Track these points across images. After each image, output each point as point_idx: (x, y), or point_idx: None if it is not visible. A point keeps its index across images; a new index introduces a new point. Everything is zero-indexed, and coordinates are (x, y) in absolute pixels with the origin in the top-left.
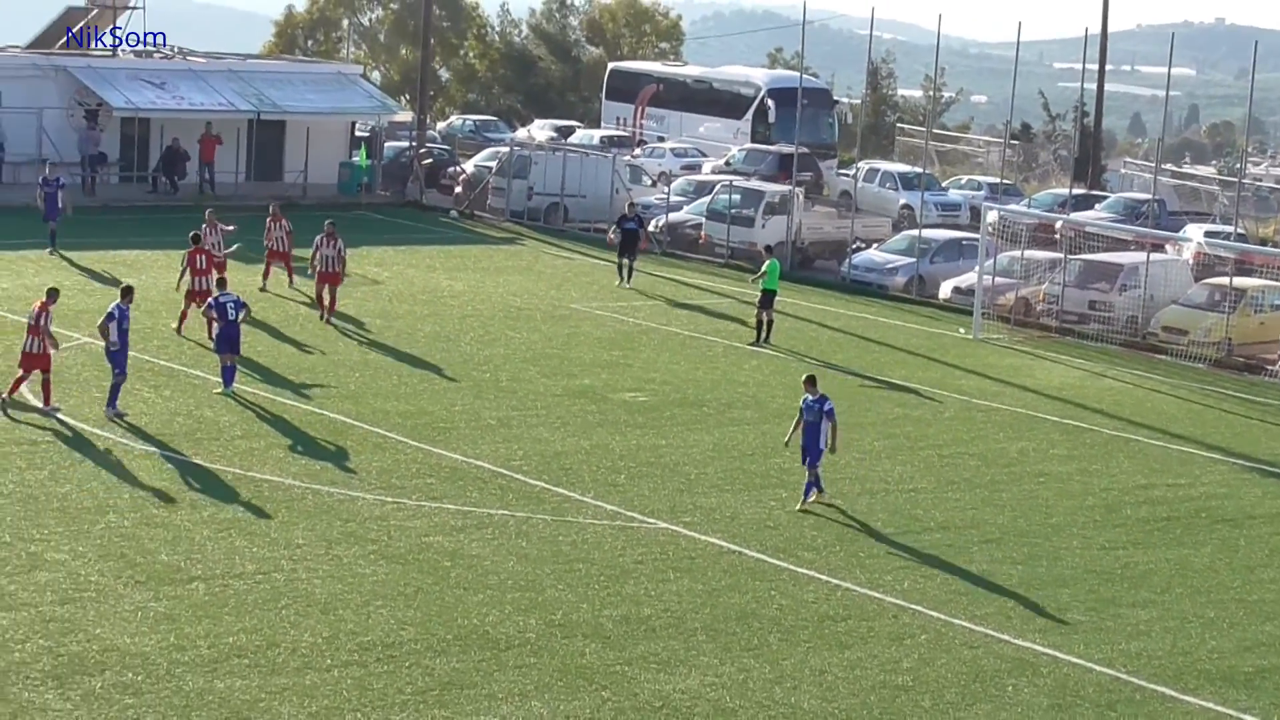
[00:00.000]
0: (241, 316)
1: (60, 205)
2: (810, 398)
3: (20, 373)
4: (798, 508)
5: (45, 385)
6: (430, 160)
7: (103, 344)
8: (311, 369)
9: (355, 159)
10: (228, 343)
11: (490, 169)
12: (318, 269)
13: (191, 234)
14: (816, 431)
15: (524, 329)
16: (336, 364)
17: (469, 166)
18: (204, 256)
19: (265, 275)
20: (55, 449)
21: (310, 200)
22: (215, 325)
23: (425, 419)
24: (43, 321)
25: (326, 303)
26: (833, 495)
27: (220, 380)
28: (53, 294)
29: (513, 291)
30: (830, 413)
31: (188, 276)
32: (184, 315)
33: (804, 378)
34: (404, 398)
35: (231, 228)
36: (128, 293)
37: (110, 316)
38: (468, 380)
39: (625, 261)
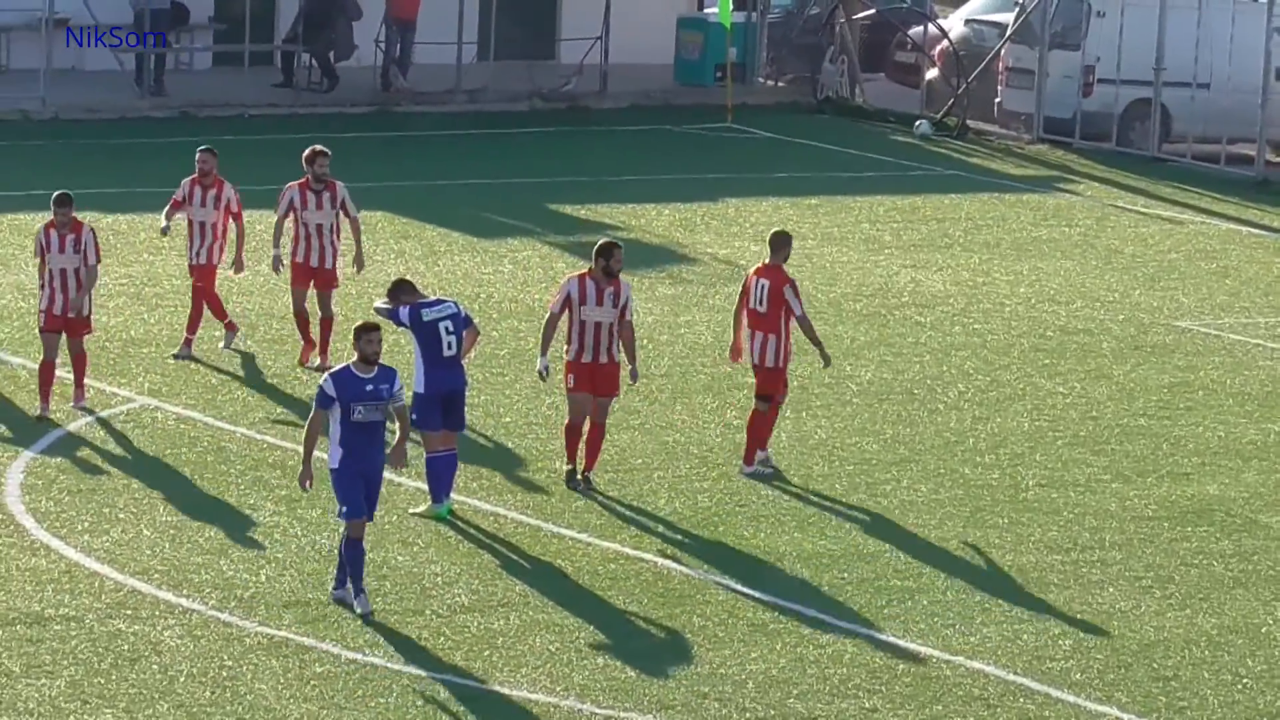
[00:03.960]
0: (467, 349)
1: None
2: None
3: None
4: None
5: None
6: (870, 16)
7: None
8: (618, 456)
9: (711, 12)
10: (444, 406)
11: (999, 31)
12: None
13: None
14: None
15: (1074, 372)
16: (666, 449)
17: (953, 26)
18: (209, 194)
19: (194, 325)
20: (81, 634)
21: (615, 102)
22: (422, 365)
23: (862, 569)
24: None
25: None
26: None
27: (426, 492)
28: (63, 201)
29: (1050, 293)
30: None
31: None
32: (305, 333)
33: None
34: (806, 522)
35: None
36: (406, 289)
37: (395, 316)
38: (953, 482)
39: None
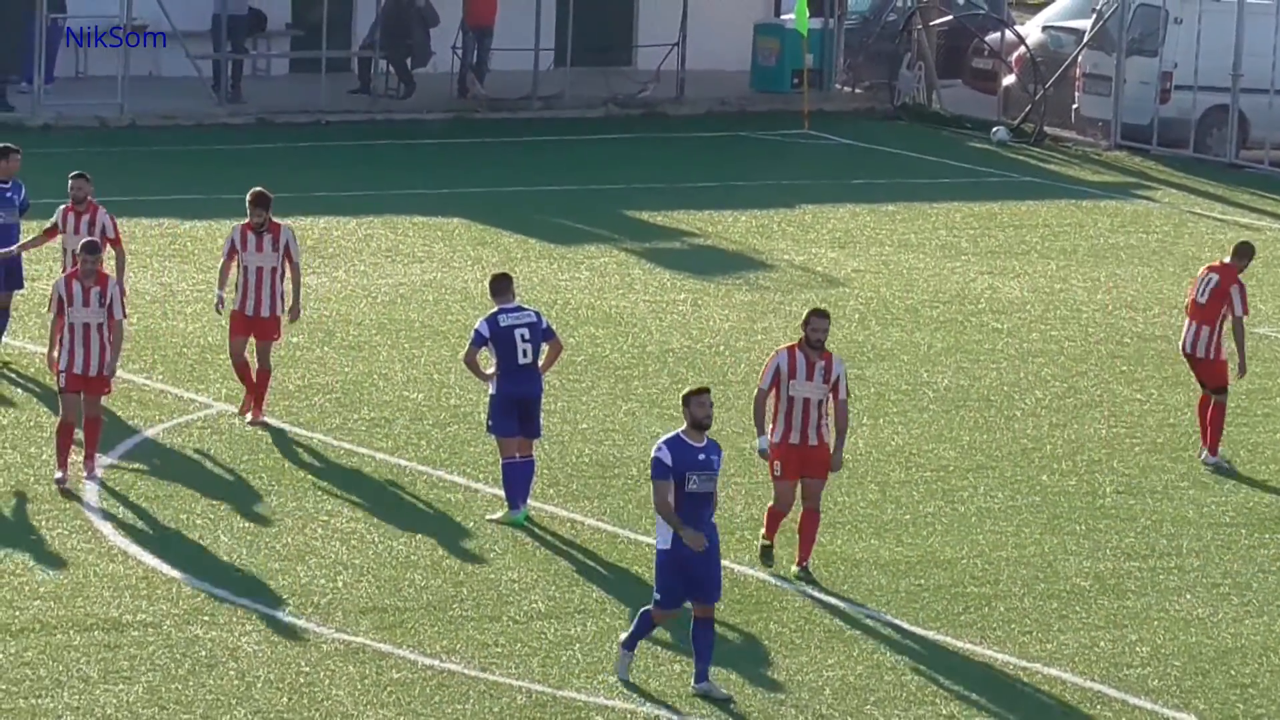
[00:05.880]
0: (549, 362)
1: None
2: None
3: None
4: None
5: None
6: (947, 22)
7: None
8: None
9: (787, 19)
10: (519, 413)
11: (1076, 38)
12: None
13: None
14: None
15: (1152, 379)
16: (743, 455)
17: (1030, 33)
18: (83, 220)
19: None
20: (158, 640)
21: (692, 108)
22: (493, 376)
23: (939, 576)
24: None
25: None
26: None
27: (503, 499)
28: (90, 248)
29: (1127, 300)
30: None
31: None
32: (247, 382)
33: None
34: (883, 529)
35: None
36: (498, 285)
37: (477, 337)
38: (1030, 489)
39: None
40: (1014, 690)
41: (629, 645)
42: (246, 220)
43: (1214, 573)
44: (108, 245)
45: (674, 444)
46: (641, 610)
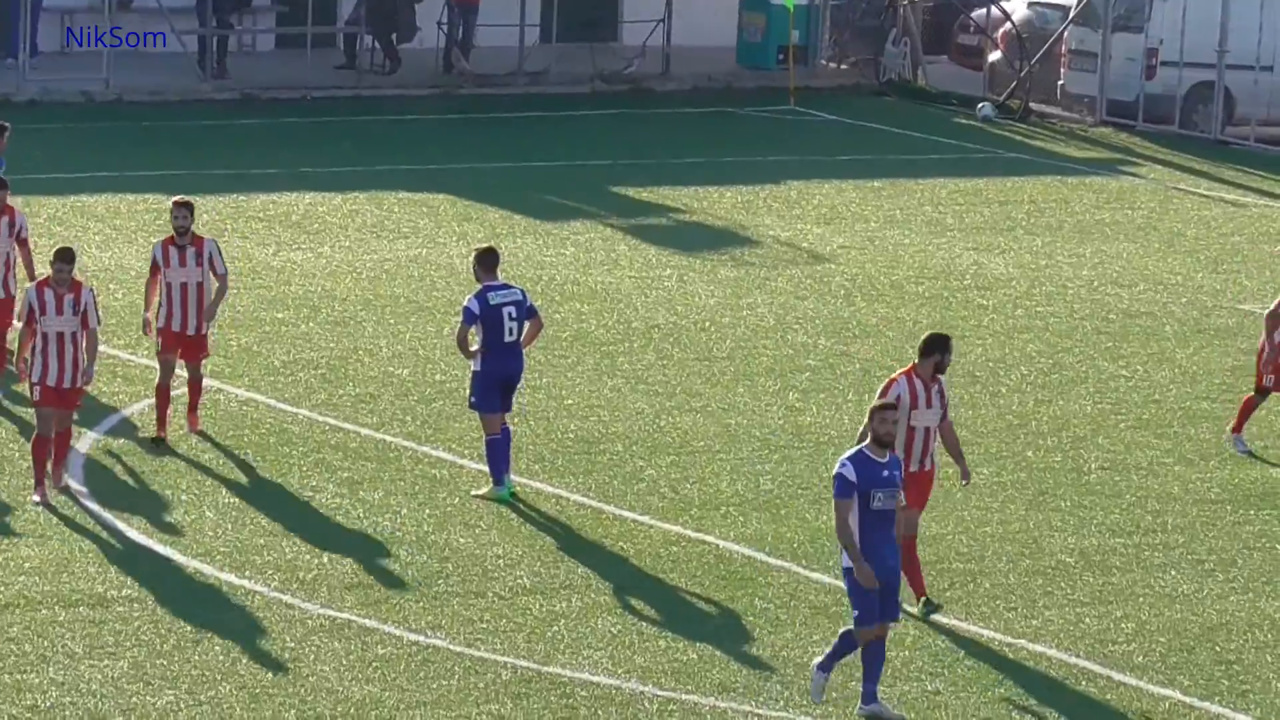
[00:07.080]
0: (529, 339)
1: None
2: None
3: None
4: None
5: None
6: None
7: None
8: (680, 439)
9: None
10: (502, 390)
11: (1062, 14)
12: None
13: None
14: None
15: (1137, 355)
16: (728, 431)
17: (1016, 9)
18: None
19: None
20: (143, 615)
21: (677, 84)
22: (477, 353)
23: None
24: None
25: None
26: None
27: (487, 474)
28: (65, 256)
29: (1113, 276)
30: None
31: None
32: (162, 413)
33: None
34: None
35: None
36: (488, 261)
37: (469, 314)
38: (1016, 465)
39: None
40: (999, 666)
41: (825, 667)
42: (169, 235)
43: (1199, 549)
44: (16, 246)
45: (858, 460)
46: (843, 631)
